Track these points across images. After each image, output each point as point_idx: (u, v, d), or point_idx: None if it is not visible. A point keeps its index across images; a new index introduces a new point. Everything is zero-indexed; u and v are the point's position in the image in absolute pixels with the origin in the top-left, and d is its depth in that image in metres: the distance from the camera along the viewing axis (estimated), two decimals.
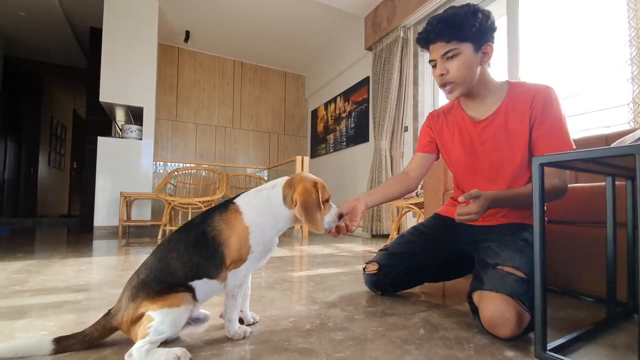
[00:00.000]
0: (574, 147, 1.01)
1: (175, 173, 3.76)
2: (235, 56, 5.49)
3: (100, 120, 4.56)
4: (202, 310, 0.98)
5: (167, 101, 5.05)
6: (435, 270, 1.28)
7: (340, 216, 0.94)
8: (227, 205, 0.87)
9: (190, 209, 3.39)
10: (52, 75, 6.39)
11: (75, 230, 4.45)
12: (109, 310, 0.78)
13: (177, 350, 0.71)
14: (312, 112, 5.88)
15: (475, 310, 0.92)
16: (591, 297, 1.26)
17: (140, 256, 2.25)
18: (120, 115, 4.33)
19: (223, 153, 5.44)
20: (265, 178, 5.22)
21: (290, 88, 6.04)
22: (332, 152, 5.15)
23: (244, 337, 0.85)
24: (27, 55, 5.64)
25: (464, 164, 1.18)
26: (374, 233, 3.74)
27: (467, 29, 0.99)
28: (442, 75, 1.07)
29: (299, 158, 3.67)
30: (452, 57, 1.04)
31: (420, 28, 3.61)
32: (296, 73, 6.08)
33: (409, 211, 2.68)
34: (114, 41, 3.83)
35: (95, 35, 4.42)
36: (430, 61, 1.11)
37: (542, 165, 0.75)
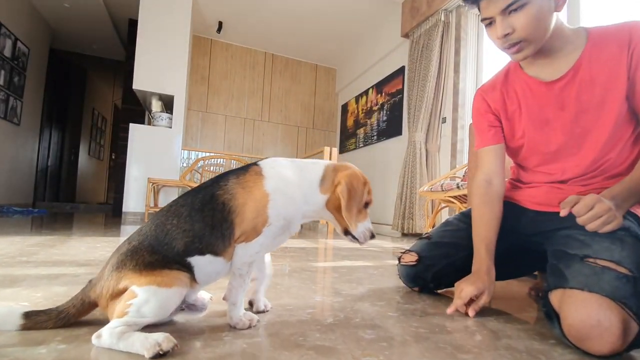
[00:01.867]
0: None
1: (202, 162, 3.71)
2: (266, 48, 5.42)
3: (135, 110, 4.64)
4: (202, 295, 0.81)
5: (199, 92, 5.06)
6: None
7: (372, 236, 0.78)
8: (248, 167, 0.72)
9: None
10: (94, 68, 6.67)
11: (108, 216, 4.55)
12: (90, 281, 0.64)
13: (158, 336, 0.55)
14: (342, 106, 5.69)
15: (552, 315, 0.69)
16: None
17: None
18: (155, 106, 4.38)
19: (251, 145, 5.38)
20: None
21: (320, 81, 5.89)
22: (361, 147, 4.93)
23: (249, 327, 0.68)
24: (72, 48, 5.90)
25: (533, 141, 0.92)
26: (404, 232, 3.48)
27: None
28: (506, 35, 0.82)
29: (327, 149, 3.48)
30: (517, 10, 0.79)
31: (464, 11, 3.32)
32: (327, 66, 5.91)
33: (446, 206, 2.42)
34: (149, 31, 3.86)
35: (133, 27, 4.49)
36: (483, 20, 0.86)
37: None
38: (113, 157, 8.52)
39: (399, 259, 1.10)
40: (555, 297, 0.69)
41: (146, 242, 0.64)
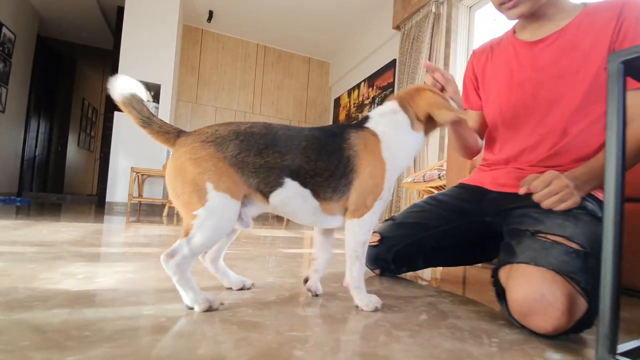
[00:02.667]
0: None
1: None
2: (258, 40, 5.36)
3: None
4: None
5: (188, 82, 4.99)
6: (452, 249, 1.00)
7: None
8: (361, 127, 0.70)
9: None
10: (84, 57, 6.57)
11: (93, 207, 4.49)
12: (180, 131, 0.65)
13: (203, 295, 0.60)
14: (335, 100, 5.64)
15: (501, 293, 0.65)
16: None
17: (129, 227, 2.11)
18: (143, 96, 4.31)
19: None
20: None
21: (313, 75, 5.83)
22: None
23: (376, 309, 0.68)
24: (61, 36, 5.81)
25: (505, 104, 0.90)
26: None
27: None
28: None
29: None
30: None
31: (454, 2, 3.27)
32: (321, 60, 5.86)
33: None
34: (136, 18, 3.80)
35: (122, 15, 4.42)
36: None
37: (624, 63, 0.47)
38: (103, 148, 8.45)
39: None
40: (504, 274, 0.65)
41: (264, 138, 0.62)
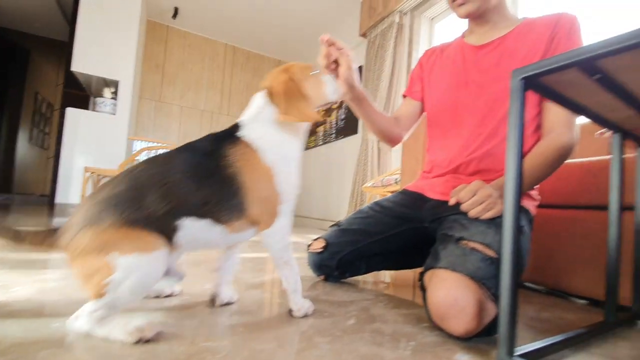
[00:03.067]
0: None
1: (146, 152, 3.51)
2: (227, 39, 5.27)
3: (79, 95, 4.31)
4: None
5: (152, 80, 4.81)
6: (394, 255, 1.03)
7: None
8: (233, 139, 0.65)
9: None
10: (38, 48, 6.16)
11: (44, 208, 4.19)
12: (53, 230, 0.54)
13: (140, 322, 0.53)
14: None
15: (424, 296, 0.68)
16: (585, 299, 1.01)
17: None
18: (105, 92, 4.10)
19: None
20: None
21: None
22: (321, 144, 4.91)
23: (306, 315, 0.68)
24: (12, 25, 5.42)
25: (452, 99, 0.95)
26: None
27: None
28: None
29: None
30: None
31: (417, 14, 3.39)
32: (291, 62, 5.85)
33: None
34: (93, 9, 3.61)
35: (78, 4, 4.19)
36: None
37: (524, 79, 0.51)
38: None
39: (309, 246, 1.06)
40: (427, 278, 0.67)
41: (135, 191, 0.54)
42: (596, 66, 0.46)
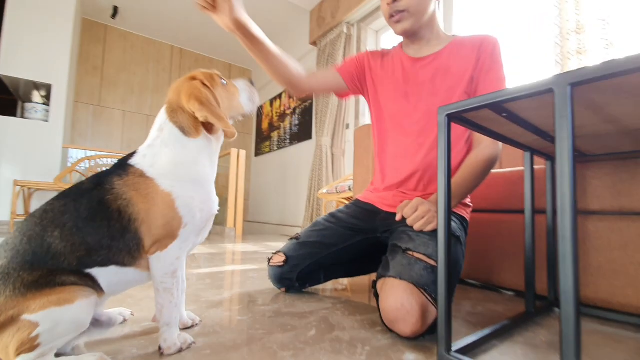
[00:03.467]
0: None
1: (87, 162, 3.26)
2: (173, 41, 5.06)
3: (6, 101, 3.86)
4: (120, 310, 0.73)
5: (89, 83, 4.46)
6: (350, 263, 1.11)
7: (251, 82, 0.78)
8: (124, 168, 0.60)
9: None
10: None
11: None
12: None
13: (90, 357, 0.52)
14: (257, 108, 5.60)
15: (378, 303, 0.75)
16: (511, 291, 1.17)
17: None
18: (35, 97, 3.71)
19: None
20: None
21: None
22: (276, 150, 4.92)
23: (181, 350, 0.61)
24: None
25: (394, 109, 1.03)
26: None
27: None
28: (395, 1, 0.94)
29: (234, 151, 3.39)
30: None
31: (363, 25, 3.55)
32: (242, 67, 5.78)
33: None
34: (21, 6, 3.27)
35: (3, 1, 3.76)
36: None
37: (448, 116, 0.60)
38: None
39: (269, 260, 1.09)
40: (379, 285, 0.75)
41: (18, 258, 0.50)
42: (503, 107, 0.56)
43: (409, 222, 0.82)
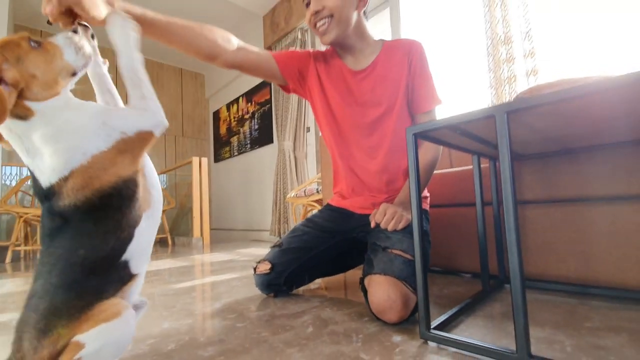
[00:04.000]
0: (441, 100, 1.07)
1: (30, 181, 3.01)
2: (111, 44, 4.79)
3: None
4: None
5: None
6: (330, 263, 1.21)
7: (75, 31, 0.62)
8: None
9: None
10: None
11: None
12: None
13: None
14: (213, 113, 5.51)
15: (366, 297, 0.86)
16: (469, 273, 1.35)
17: None
18: None
19: None
20: (162, 184, 4.63)
21: (187, 87, 5.55)
22: (236, 155, 4.88)
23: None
24: None
25: (345, 115, 1.09)
26: (281, 236, 3.62)
27: None
28: (317, 12, 0.99)
29: (195, 159, 3.34)
30: None
31: None
32: (194, 71, 5.63)
33: (312, 209, 2.64)
34: None
35: None
36: (305, 3, 1.03)
37: (415, 135, 0.72)
38: None
39: (255, 269, 1.16)
40: (366, 282, 0.86)
41: (61, 294, 0.51)
42: (458, 127, 0.70)
43: (382, 225, 0.94)
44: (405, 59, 1.05)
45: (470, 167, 1.31)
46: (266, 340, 0.76)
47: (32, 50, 0.54)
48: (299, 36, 3.59)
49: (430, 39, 2.77)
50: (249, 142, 4.63)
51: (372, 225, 0.96)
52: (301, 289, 1.25)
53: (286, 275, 1.11)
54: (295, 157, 3.68)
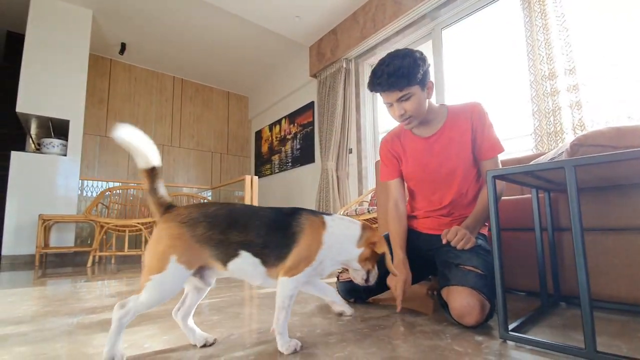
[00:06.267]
0: (503, 148, 1.26)
1: (108, 193, 3.42)
2: (174, 72, 5.30)
3: (12, 134, 3.96)
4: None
5: (96, 115, 4.61)
6: None
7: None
8: (315, 213, 0.88)
9: (127, 231, 3.09)
10: None
11: None
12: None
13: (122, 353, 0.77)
14: (256, 132, 5.89)
15: (444, 305, 1.06)
16: (523, 292, 1.50)
17: (63, 287, 1.98)
18: (35, 129, 3.84)
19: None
20: (209, 198, 5.00)
21: (233, 108, 6.00)
22: (277, 172, 5.19)
23: (295, 351, 0.82)
24: None
25: (418, 177, 1.35)
26: None
27: (413, 77, 1.16)
28: (401, 114, 1.23)
29: (248, 177, 3.64)
30: (406, 99, 1.20)
31: (360, 61, 3.95)
32: (239, 94, 6.07)
33: None
34: (38, 48, 3.45)
35: (12, 40, 3.92)
36: (385, 103, 1.27)
37: (494, 177, 0.93)
38: None
39: (338, 277, 1.37)
40: (444, 293, 1.05)
41: (225, 217, 0.80)
42: (532, 173, 0.90)
43: (452, 243, 1.13)
44: (468, 121, 1.27)
45: (525, 195, 1.48)
46: (370, 334, 0.96)
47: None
48: (344, 65, 3.89)
49: (472, 70, 2.97)
50: (290, 160, 4.93)
51: (444, 242, 1.15)
52: (374, 298, 1.45)
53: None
54: (337, 177, 3.92)
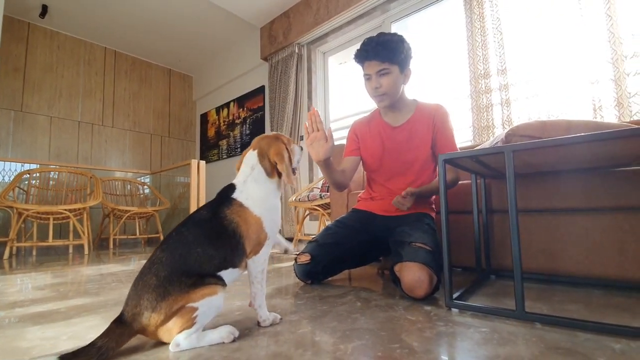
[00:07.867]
0: (458, 149, 1.38)
1: (27, 175, 3.00)
2: (106, 43, 4.76)
3: None
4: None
5: (10, 86, 3.98)
6: (356, 257, 1.46)
7: (301, 148, 1.00)
8: (230, 201, 0.86)
9: (51, 219, 2.76)
10: None
11: None
12: (121, 317, 0.71)
13: (226, 328, 0.79)
14: (201, 115, 5.58)
15: (396, 280, 1.14)
16: (459, 267, 1.66)
17: None
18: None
19: (89, 154, 4.58)
20: (149, 183, 4.65)
21: (175, 87, 5.59)
22: (225, 158, 5.00)
23: (273, 324, 0.89)
24: None
25: (380, 160, 1.43)
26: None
27: (397, 54, 1.24)
28: (376, 88, 1.31)
29: (194, 162, 3.46)
30: (384, 74, 1.28)
31: (313, 47, 3.94)
32: (183, 72, 5.68)
33: (310, 213, 2.88)
34: None
35: None
36: (365, 75, 1.34)
37: (444, 161, 1.01)
38: None
39: (296, 259, 1.39)
40: (397, 268, 1.13)
41: (177, 270, 0.74)
42: (476, 157, 0.99)
43: (394, 201, 1.26)
44: (430, 120, 1.38)
45: (465, 181, 1.63)
46: (330, 311, 1.00)
47: (290, 147, 0.94)
48: (297, 50, 3.84)
49: (420, 63, 3.14)
50: (239, 146, 4.78)
51: (393, 203, 1.27)
52: (331, 279, 1.50)
53: (323, 264, 1.36)
54: None
